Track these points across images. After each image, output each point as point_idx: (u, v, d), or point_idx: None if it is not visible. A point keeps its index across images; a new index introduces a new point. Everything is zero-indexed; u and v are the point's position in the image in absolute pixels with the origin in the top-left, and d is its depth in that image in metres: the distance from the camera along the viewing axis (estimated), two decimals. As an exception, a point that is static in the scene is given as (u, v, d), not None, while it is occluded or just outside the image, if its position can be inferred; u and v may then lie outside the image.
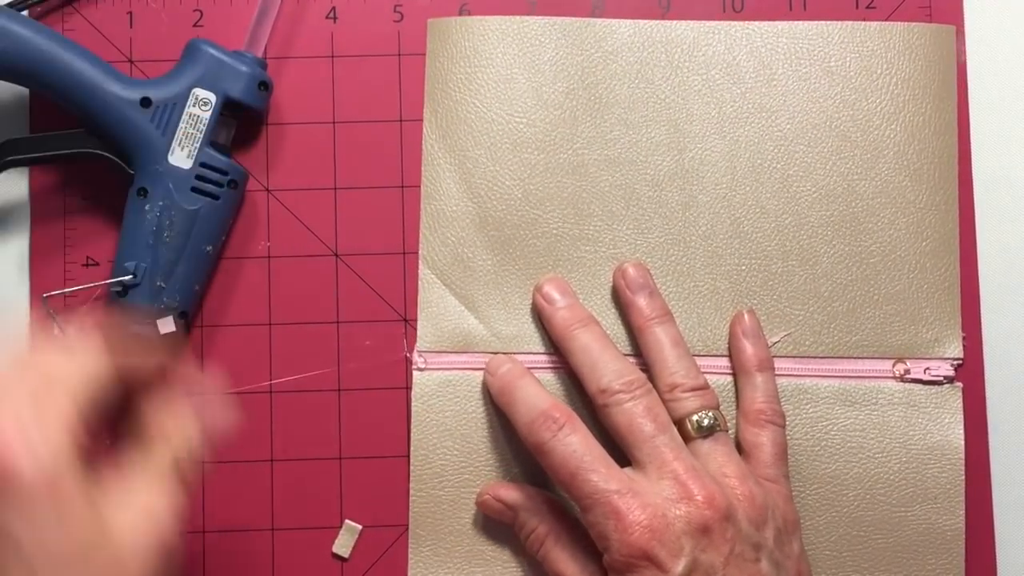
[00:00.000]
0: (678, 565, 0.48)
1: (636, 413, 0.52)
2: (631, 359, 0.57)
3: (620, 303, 0.59)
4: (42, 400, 0.43)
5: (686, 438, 0.53)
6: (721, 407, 0.56)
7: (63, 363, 0.45)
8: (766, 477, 0.54)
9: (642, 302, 0.57)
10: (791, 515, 0.54)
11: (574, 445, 0.51)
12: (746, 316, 0.59)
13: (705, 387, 0.55)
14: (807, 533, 0.57)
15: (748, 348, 0.58)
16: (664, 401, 0.54)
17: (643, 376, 0.54)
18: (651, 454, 0.51)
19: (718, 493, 0.50)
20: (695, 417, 0.54)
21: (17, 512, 0.41)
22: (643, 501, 0.49)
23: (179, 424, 0.50)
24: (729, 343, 0.59)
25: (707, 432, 0.53)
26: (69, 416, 0.43)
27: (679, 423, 0.54)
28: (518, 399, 0.55)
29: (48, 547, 0.41)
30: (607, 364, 0.54)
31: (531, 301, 0.59)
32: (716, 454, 0.53)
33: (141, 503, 0.46)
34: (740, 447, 0.56)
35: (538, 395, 0.54)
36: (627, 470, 0.52)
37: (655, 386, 0.55)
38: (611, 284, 0.59)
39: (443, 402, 0.59)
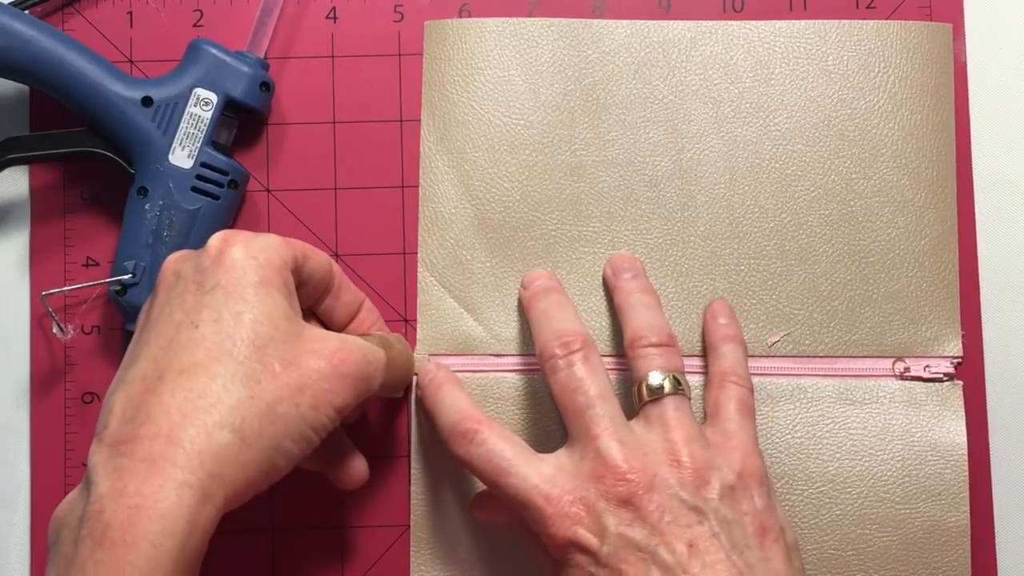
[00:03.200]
0: (604, 546, 0.47)
1: (569, 384, 0.51)
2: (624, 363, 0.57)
3: (609, 290, 0.59)
4: (266, 233, 0.50)
5: (641, 399, 0.52)
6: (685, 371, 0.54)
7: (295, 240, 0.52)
8: (725, 432, 0.53)
9: (625, 283, 0.57)
10: (751, 468, 0.51)
11: (488, 452, 0.50)
12: (716, 305, 0.58)
13: (669, 344, 0.53)
14: (810, 532, 0.57)
15: (717, 327, 0.57)
16: (628, 357, 0.53)
17: (585, 334, 0.52)
18: (580, 428, 0.50)
19: (639, 464, 0.48)
20: (649, 379, 0.52)
21: (224, 291, 0.47)
22: (562, 489, 0.48)
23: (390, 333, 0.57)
24: (702, 328, 0.58)
25: (657, 394, 0.51)
26: (287, 252, 0.50)
27: (638, 384, 0.52)
28: (437, 415, 0.53)
29: (241, 323, 0.46)
30: (552, 326, 0.53)
31: (526, 301, 0.59)
32: (665, 418, 0.51)
33: (340, 336, 0.50)
34: (706, 412, 0.55)
35: (452, 407, 0.53)
36: (559, 452, 0.51)
37: (624, 344, 0.54)
38: (605, 287, 0.59)
39: (443, 404, 0.59)
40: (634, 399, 0.53)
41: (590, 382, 0.51)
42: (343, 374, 0.48)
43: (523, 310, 0.58)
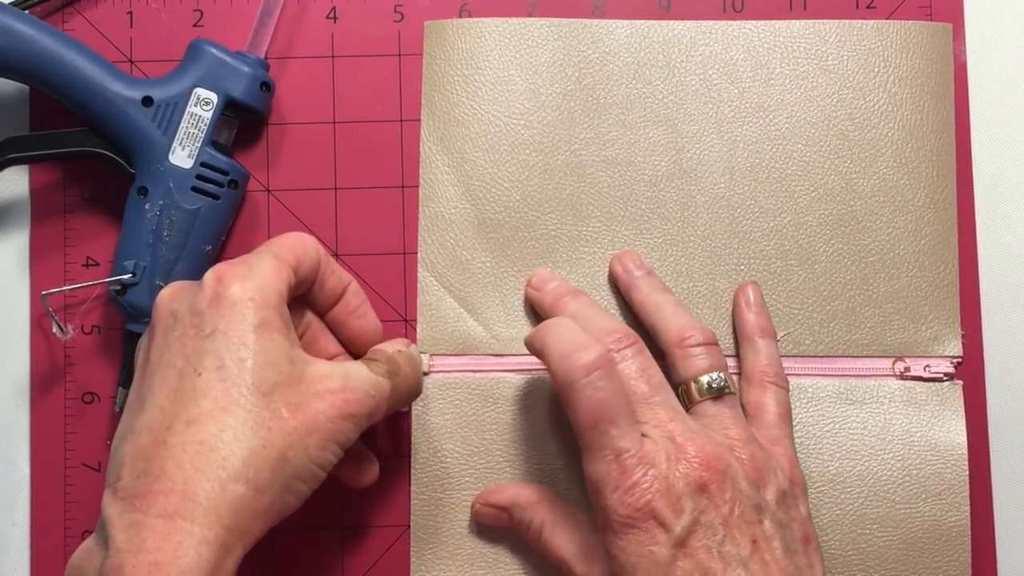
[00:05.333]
0: (678, 525, 0.47)
1: (630, 374, 0.51)
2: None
3: (620, 288, 0.59)
4: (259, 260, 0.50)
5: (692, 399, 0.53)
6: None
7: (284, 241, 0.52)
8: (770, 438, 0.54)
9: (641, 281, 0.57)
10: (797, 477, 0.53)
11: (604, 392, 0.48)
12: (750, 289, 0.58)
13: (714, 343, 0.54)
14: (809, 532, 0.57)
15: (751, 317, 0.57)
16: (673, 357, 0.54)
17: (634, 332, 0.52)
18: (647, 415, 0.50)
19: (715, 454, 0.49)
20: (704, 379, 0.53)
21: (225, 335, 0.47)
22: (649, 461, 0.48)
23: (401, 349, 0.55)
24: (732, 315, 0.58)
25: (716, 394, 0.52)
26: (282, 283, 0.49)
27: (686, 383, 0.53)
28: (554, 333, 0.51)
29: (245, 370, 0.46)
30: (597, 324, 0.53)
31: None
32: (722, 416, 0.52)
33: (343, 372, 0.49)
34: (744, 410, 0.55)
35: (575, 330, 0.51)
36: None
37: (661, 344, 0.55)
38: (610, 286, 0.59)
39: (443, 405, 0.59)
40: (682, 397, 0.53)
41: (650, 373, 0.51)
42: (347, 415, 0.48)
43: (543, 310, 0.58)
